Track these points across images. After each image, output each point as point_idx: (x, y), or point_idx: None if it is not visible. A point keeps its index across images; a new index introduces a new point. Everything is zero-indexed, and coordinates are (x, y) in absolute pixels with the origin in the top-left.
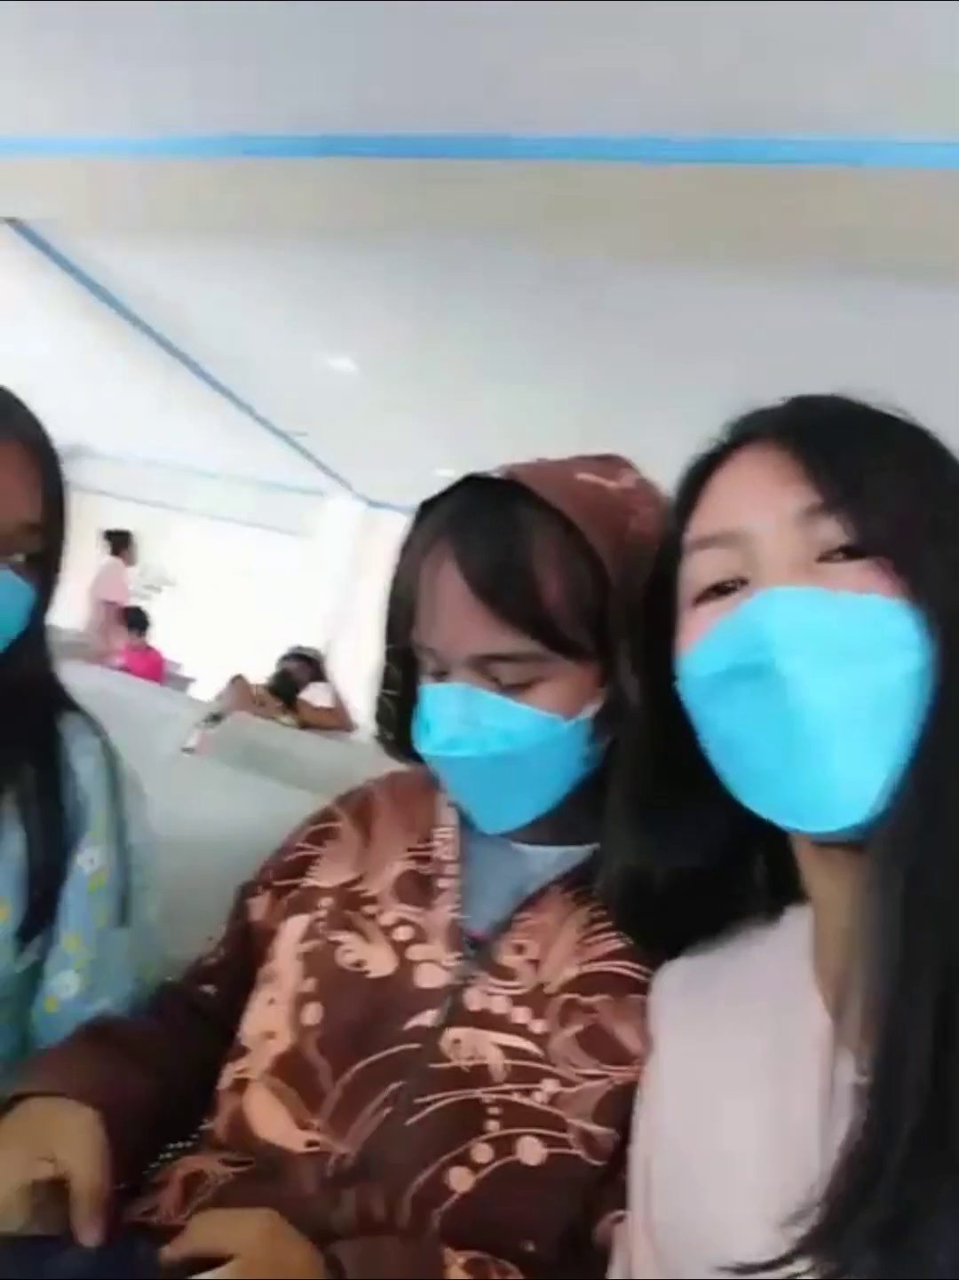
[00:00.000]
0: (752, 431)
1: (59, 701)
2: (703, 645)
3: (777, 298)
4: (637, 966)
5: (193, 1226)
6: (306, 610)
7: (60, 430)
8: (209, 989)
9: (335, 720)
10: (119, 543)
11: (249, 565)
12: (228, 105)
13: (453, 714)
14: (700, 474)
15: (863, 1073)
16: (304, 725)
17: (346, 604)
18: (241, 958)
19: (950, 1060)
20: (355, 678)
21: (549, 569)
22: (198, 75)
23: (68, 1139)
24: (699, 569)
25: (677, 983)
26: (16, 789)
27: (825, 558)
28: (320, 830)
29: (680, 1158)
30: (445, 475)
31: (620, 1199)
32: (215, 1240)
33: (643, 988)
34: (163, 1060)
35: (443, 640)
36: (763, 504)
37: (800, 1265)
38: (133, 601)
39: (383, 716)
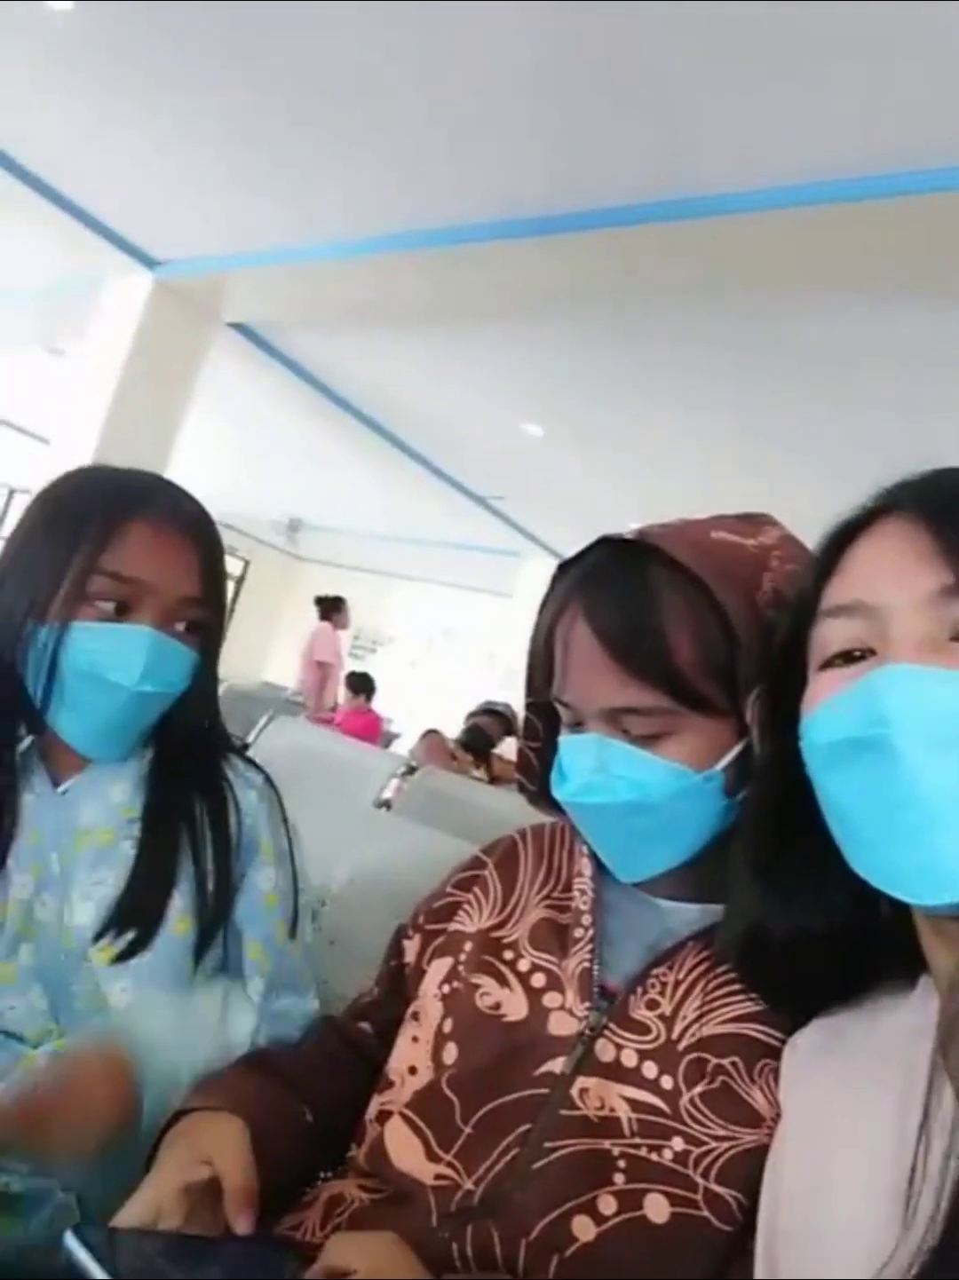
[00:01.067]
0: (895, 502)
1: (225, 746)
2: (824, 711)
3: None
4: (768, 1030)
5: (327, 1246)
6: (502, 667)
7: (282, 507)
8: (365, 1026)
9: None
10: (329, 607)
11: (452, 625)
12: (426, 199)
13: (587, 763)
14: (842, 540)
15: None
16: (495, 779)
17: None
18: (394, 997)
19: None
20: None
21: (678, 625)
22: (402, 174)
23: (221, 1145)
24: (830, 635)
25: (808, 1046)
26: (190, 821)
27: (958, 638)
28: (468, 877)
29: (802, 1221)
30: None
31: (750, 1268)
32: (345, 1259)
33: (774, 1051)
34: (315, 1087)
35: (576, 694)
36: (898, 579)
37: None
38: (347, 663)
39: (525, 767)
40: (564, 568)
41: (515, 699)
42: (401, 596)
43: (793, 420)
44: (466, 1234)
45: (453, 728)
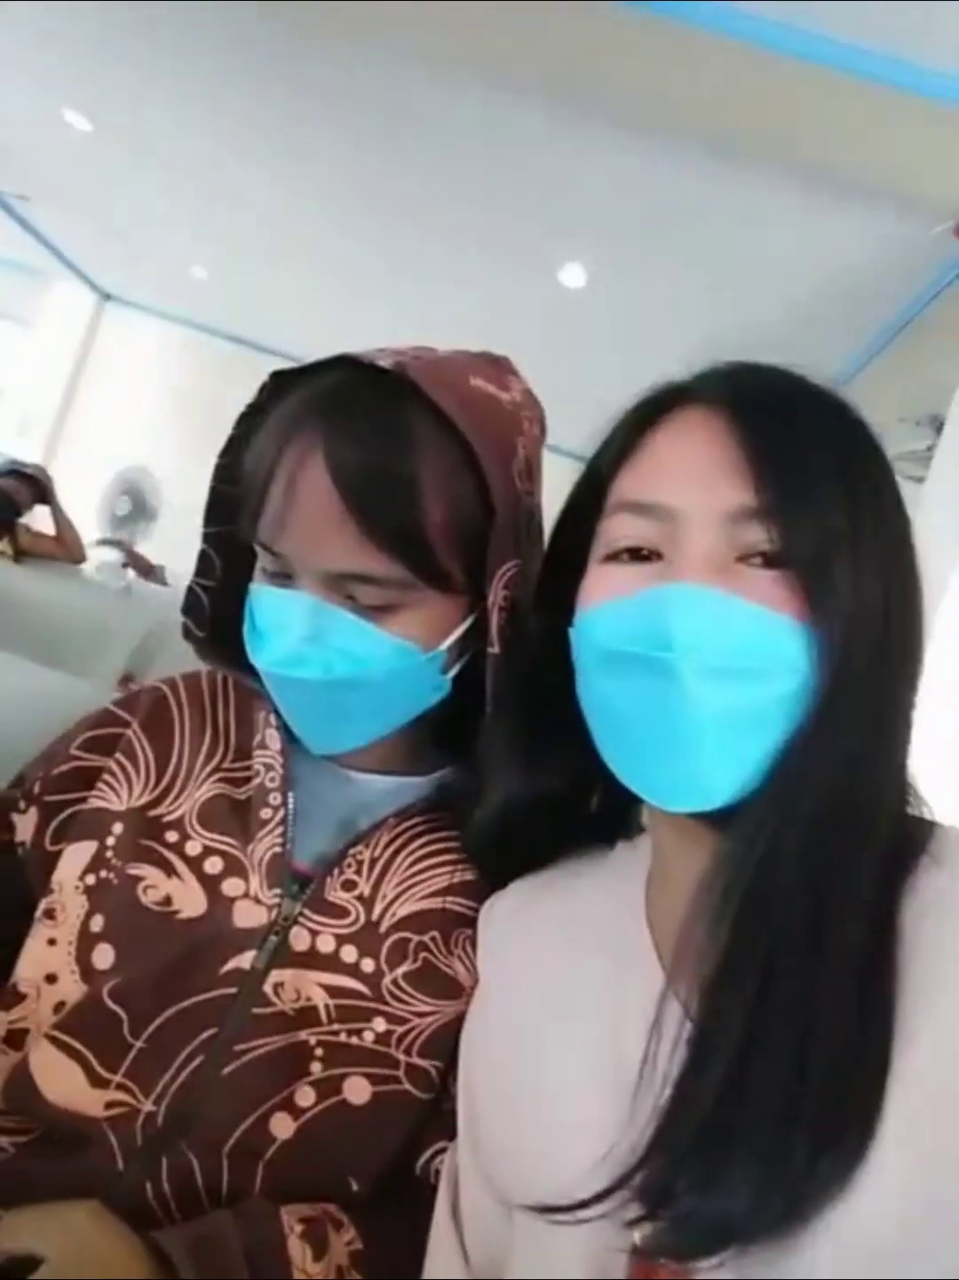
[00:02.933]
0: (702, 393)
1: None
2: (607, 611)
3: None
4: (463, 902)
5: None
6: (18, 412)
7: None
8: None
9: (63, 550)
10: None
11: None
12: None
13: (296, 629)
14: (640, 423)
15: (690, 1019)
16: (21, 555)
17: (72, 410)
18: (5, 885)
19: (767, 1018)
20: (81, 500)
21: (434, 488)
22: None
23: None
24: (620, 528)
25: (504, 912)
26: None
27: (744, 558)
28: (102, 737)
29: (506, 1085)
30: (200, 276)
31: (446, 1131)
32: (28, 1242)
33: (470, 921)
34: None
35: (295, 546)
36: (698, 488)
37: (615, 1201)
38: None
39: (194, 609)
40: (286, 379)
41: (33, 452)
42: None
43: (395, 217)
44: (161, 1168)
45: None
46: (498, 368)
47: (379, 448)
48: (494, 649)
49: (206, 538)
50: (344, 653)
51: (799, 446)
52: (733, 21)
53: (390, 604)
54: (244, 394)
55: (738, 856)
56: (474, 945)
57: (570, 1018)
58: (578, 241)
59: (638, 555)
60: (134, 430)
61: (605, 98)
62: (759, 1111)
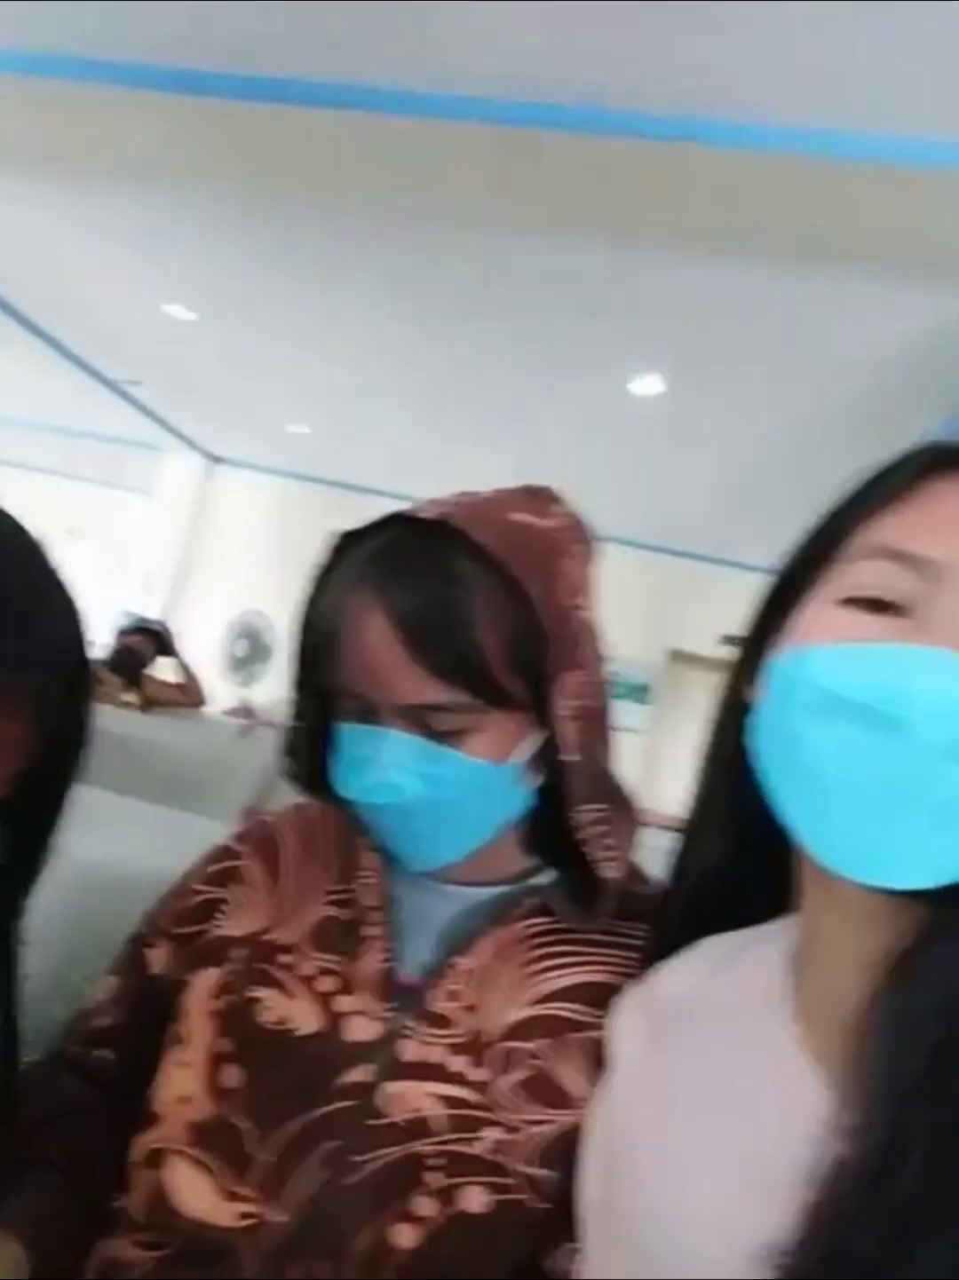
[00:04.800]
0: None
1: None
2: (837, 654)
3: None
4: (573, 1007)
5: None
6: (140, 573)
7: None
8: (106, 1054)
9: (187, 697)
10: None
11: (80, 524)
12: (87, 25)
13: (380, 760)
14: (919, 472)
15: (845, 1104)
16: (148, 703)
17: (189, 565)
18: (140, 1017)
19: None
20: (203, 647)
21: (485, 618)
22: None
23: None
24: (868, 575)
25: (638, 997)
26: None
27: None
28: (221, 870)
29: (635, 1174)
30: (299, 432)
31: (570, 1232)
32: None
33: (578, 1026)
34: (72, 1153)
35: (370, 688)
36: None
37: None
38: None
39: (293, 750)
40: (349, 539)
41: (154, 608)
42: (16, 490)
43: (470, 355)
44: (288, 1275)
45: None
46: (538, 499)
47: (430, 590)
48: (573, 756)
49: (297, 685)
50: (425, 776)
51: None
52: (788, 138)
53: (462, 728)
54: None
55: (945, 953)
56: (584, 1051)
57: (706, 1107)
58: (652, 352)
59: (879, 606)
60: (249, 577)
61: (668, 224)
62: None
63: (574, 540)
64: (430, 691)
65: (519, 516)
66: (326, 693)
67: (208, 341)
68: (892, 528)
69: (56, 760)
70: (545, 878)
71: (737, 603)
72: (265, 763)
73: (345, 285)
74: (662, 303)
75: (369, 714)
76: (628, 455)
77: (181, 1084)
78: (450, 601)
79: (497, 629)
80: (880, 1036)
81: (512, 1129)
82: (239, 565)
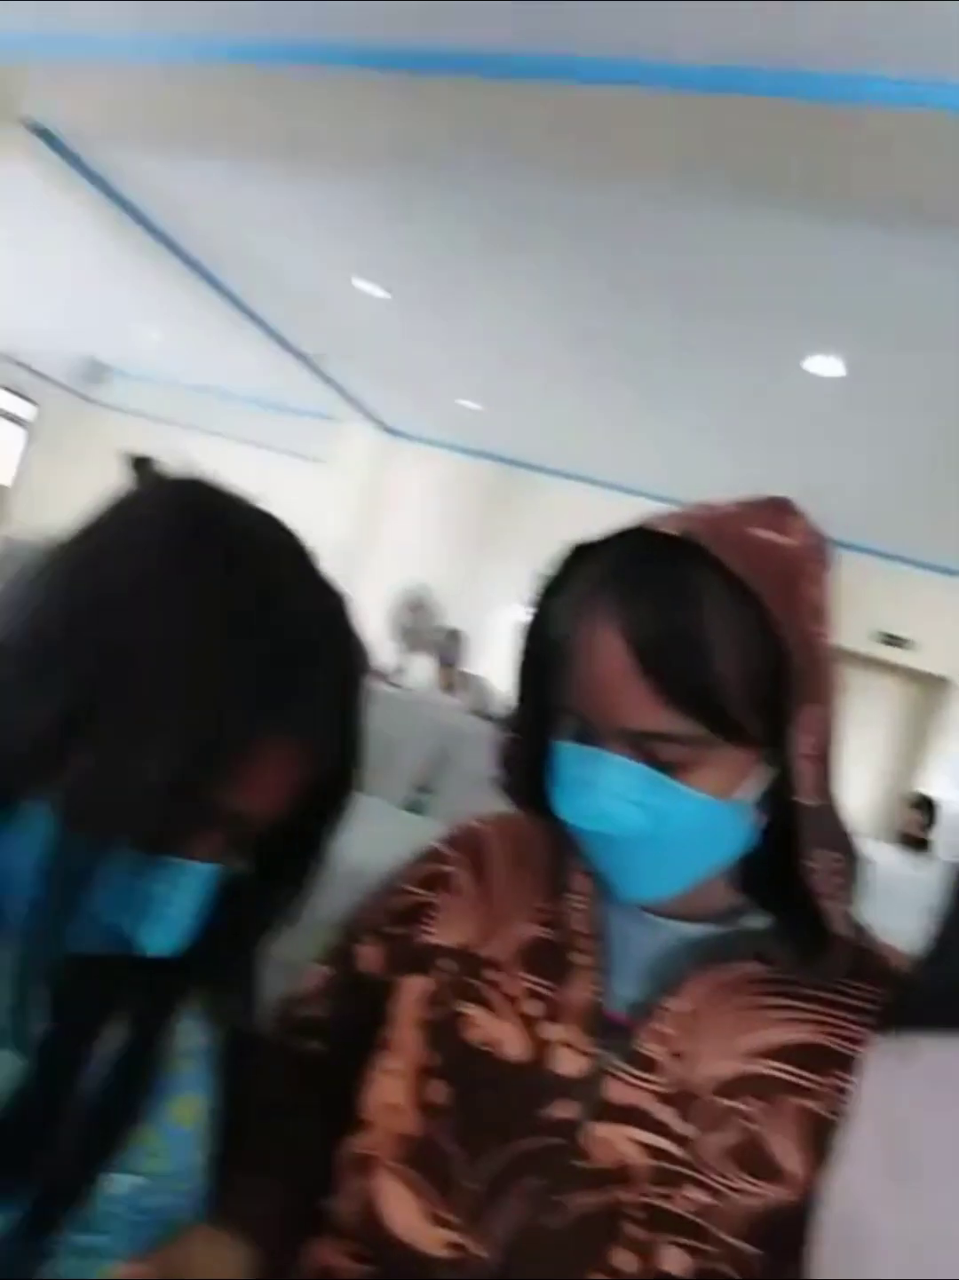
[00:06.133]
0: None
1: None
2: None
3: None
4: (792, 1069)
5: None
6: (315, 540)
7: (79, 346)
8: (317, 1046)
9: None
10: (140, 467)
11: (261, 490)
12: (259, 10)
13: (599, 785)
14: None
15: None
16: None
17: (362, 534)
18: (348, 1011)
19: None
20: (372, 617)
21: (725, 645)
22: None
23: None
24: None
25: (892, 1059)
26: None
27: None
28: (431, 874)
29: (879, 1222)
30: (470, 406)
31: None
32: None
33: (800, 1091)
34: (294, 1151)
35: (596, 709)
36: None
37: None
38: None
39: (508, 762)
40: (583, 552)
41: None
42: (204, 455)
43: (646, 309)
44: None
45: None
46: (780, 513)
47: (670, 610)
48: (811, 800)
49: (518, 697)
50: (647, 808)
51: None
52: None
53: (689, 759)
54: (510, 510)
55: None
56: (798, 1120)
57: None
58: (833, 332)
59: None
60: (421, 548)
61: (855, 195)
62: None
63: (815, 560)
64: (661, 719)
65: (763, 533)
66: (547, 707)
67: (393, 317)
68: None
69: (334, 779)
70: (759, 921)
71: (886, 599)
72: (435, 739)
73: (525, 265)
74: (847, 278)
75: (588, 735)
76: (796, 435)
77: (389, 1092)
78: (691, 625)
79: (737, 657)
80: None
81: (715, 1193)
82: (410, 536)
